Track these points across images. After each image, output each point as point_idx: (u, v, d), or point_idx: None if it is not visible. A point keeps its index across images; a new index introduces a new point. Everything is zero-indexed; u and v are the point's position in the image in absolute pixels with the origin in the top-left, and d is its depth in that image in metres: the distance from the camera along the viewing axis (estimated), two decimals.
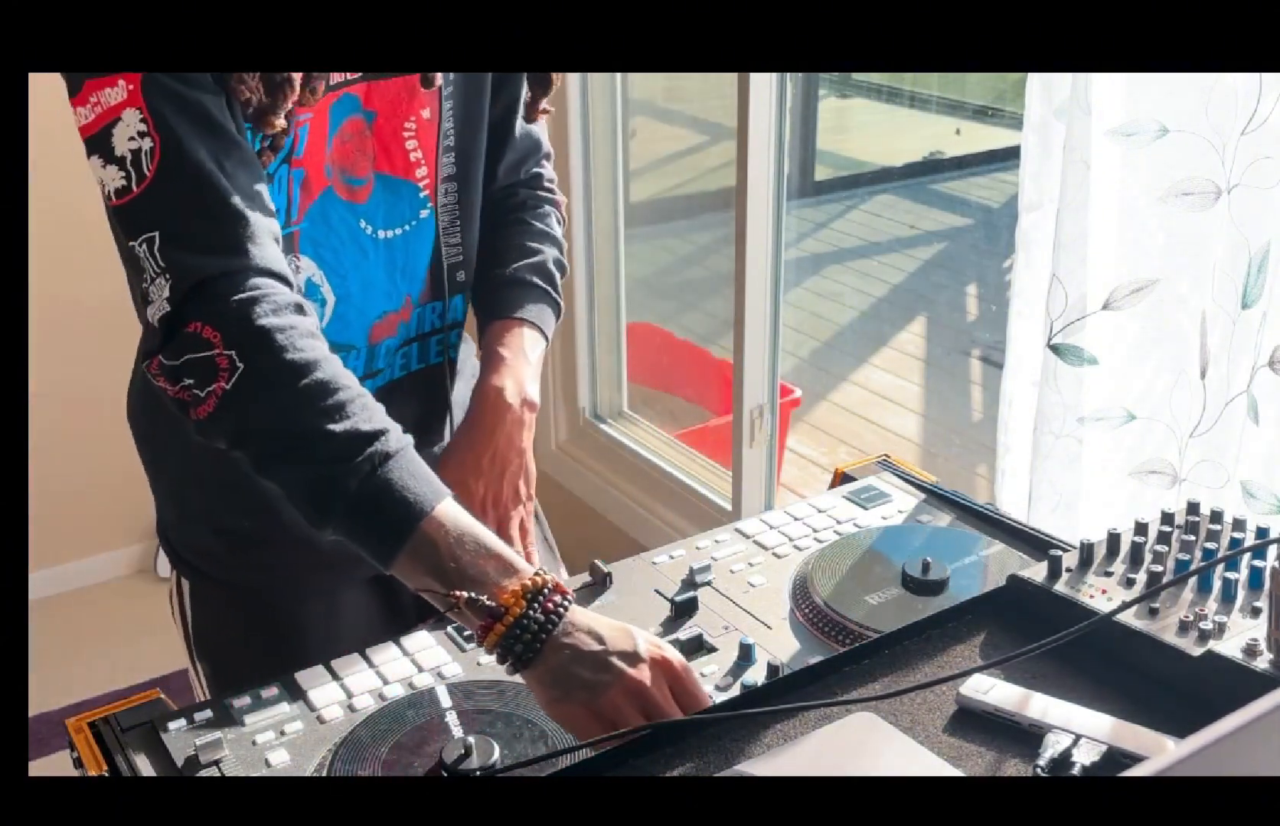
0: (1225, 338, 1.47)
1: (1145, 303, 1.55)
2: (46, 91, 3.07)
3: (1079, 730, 0.87)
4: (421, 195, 1.23)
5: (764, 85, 2.31)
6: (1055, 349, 1.59)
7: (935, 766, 0.86)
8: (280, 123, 1.06)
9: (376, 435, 0.98)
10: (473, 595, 0.94)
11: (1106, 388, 1.59)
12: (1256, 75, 1.37)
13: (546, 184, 1.40)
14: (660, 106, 4.15)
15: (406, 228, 1.23)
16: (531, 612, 0.94)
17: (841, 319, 4.90)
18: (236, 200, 1.02)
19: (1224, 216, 1.45)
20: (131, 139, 1.00)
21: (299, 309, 1.03)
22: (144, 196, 1.00)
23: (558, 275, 1.35)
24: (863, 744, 0.89)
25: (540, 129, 1.39)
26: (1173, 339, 1.54)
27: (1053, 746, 0.86)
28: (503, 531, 1.22)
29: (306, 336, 1.01)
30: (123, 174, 1.00)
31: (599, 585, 1.20)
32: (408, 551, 0.96)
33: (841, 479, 1.41)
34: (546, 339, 1.32)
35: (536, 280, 1.32)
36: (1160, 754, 0.60)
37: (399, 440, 0.99)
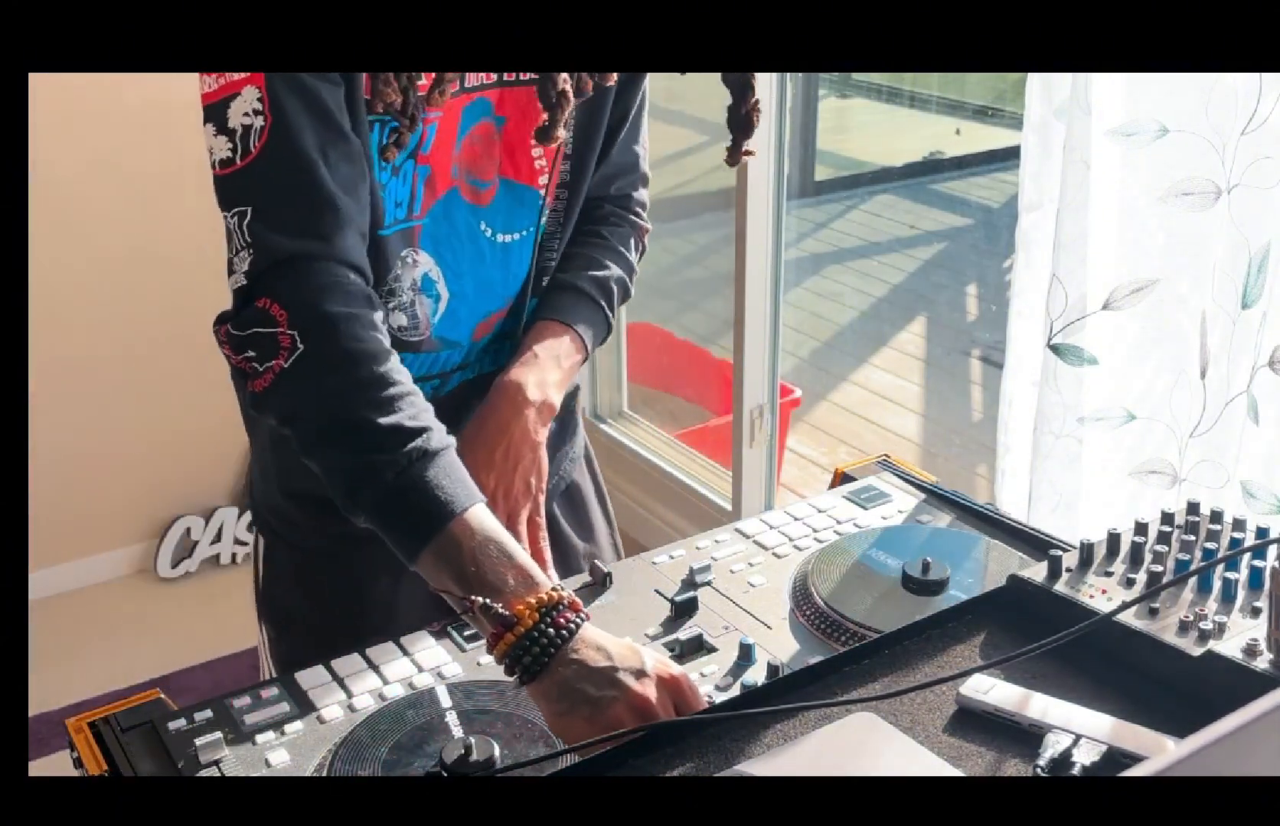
0: (1225, 338, 1.47)
1: (1145, 303, 1.55)
2: (46, 91, 3.06)
3: (1079, 730, 0.87)
4: (541, 202, 1.25)
5: (764, 85, 2.31)
6: (1055, 349, 1.59)
7: (935, 766, 0.86)
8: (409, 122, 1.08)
9: (419, 432, 1.00)
10: (487, 602, 0.95)
11: (1106, 388, 1.59)
12: (1256, 75, 1.37)
13: (635, 207, 1.40)
14: (660, 106, 4.15)
15: (523, 233, 1.25)
16: (543, 626, 0.94)
17: (841, 319, 4.90)
18: (331, 190, 1.05)
19: (1224, 216, 1.45)
20: (245, 115, 1.03)
21: (369, 301, 1.06)
22: (245, 171, 1.04)
23: (617, 294, 1.34)
24: (863, 744, 0.89)
25: (642, 150, 1.38)
26: (1173, 339, 1.54)
27: (1053, 746, 0.86)
28: (511, 525, 1.22)
29: (369, 328, 1.04)
30: (230, 146, 1.04)
31: (599, 585, 1.19)
32: (432, 548, 0.97)
33: (841, 479, 1.41)
34: (587, 351, 1.31)
35: (592, 292, 1.32)
36: (1160, 754, 0.60)
37: (441, 440, 1.01)
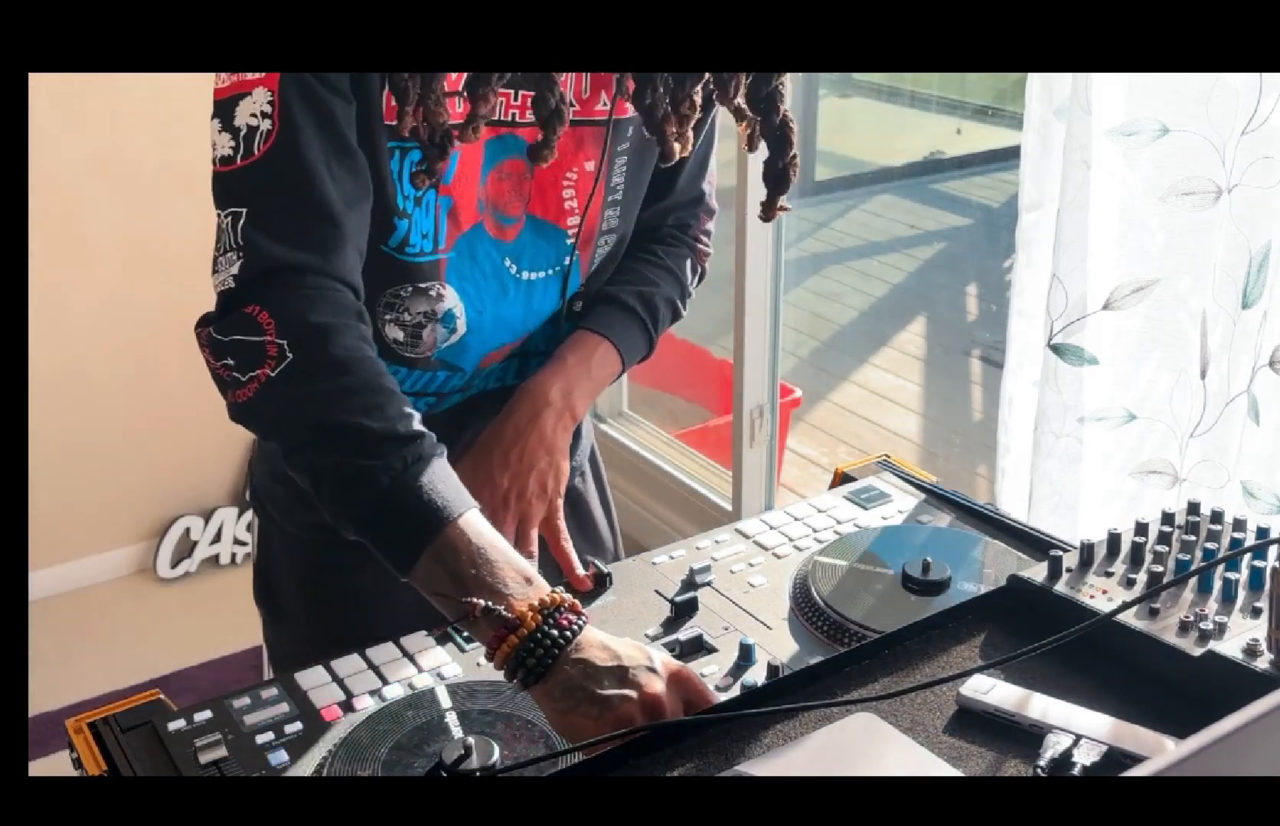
0: (1225, 337, 1.47)
1: (1145, 302, 1.55)
2: (47, 92, 3.06)
3: (1079, 730, 0.87)
4: (569, 243, 1.23)
5: None
6: (1055, 349, 1.59)
7: (935, 766, 0.86)
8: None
9: (414, 438, 0.99)
10: (489, 604, 0.94)
11: (1107, 387, 1.59)
12: (1256, 75, 1.37)
13: (695, 233, 1.38)
14: None
15: (549, 272, 1.23)
16: (545, 628, 0.94)
17: (841, 319, 4.90)
18: (333, 204, 1.04)
19: (1224, 216, 1.45)
20: (253, 115, 1.02)
21: (359, 316, 1.05)
22: (245, 171, 1.03)
23: (664, 312, 1.33)
24: (863, 744, 0.89)
25: (709, 186, 1.37)
26: (1173, 339, 1.54)
27: (1053, 746, 0.86)
28: (524, 527, 1.21)
29: (359, 339, 1.03)
30: (233, 143, 1.03)
31: (599, 585, 1.19)
32: (429, 553, 0.96)
33: (841, 479, 1.41)
34: (624, 364, 1.30)
35: (636, 307, 1.30)
36: (1160, 754, 0.60)
37: (434, 447, 1.00)
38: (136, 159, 3.05)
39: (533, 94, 1.08)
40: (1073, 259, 1.54)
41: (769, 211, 1.23)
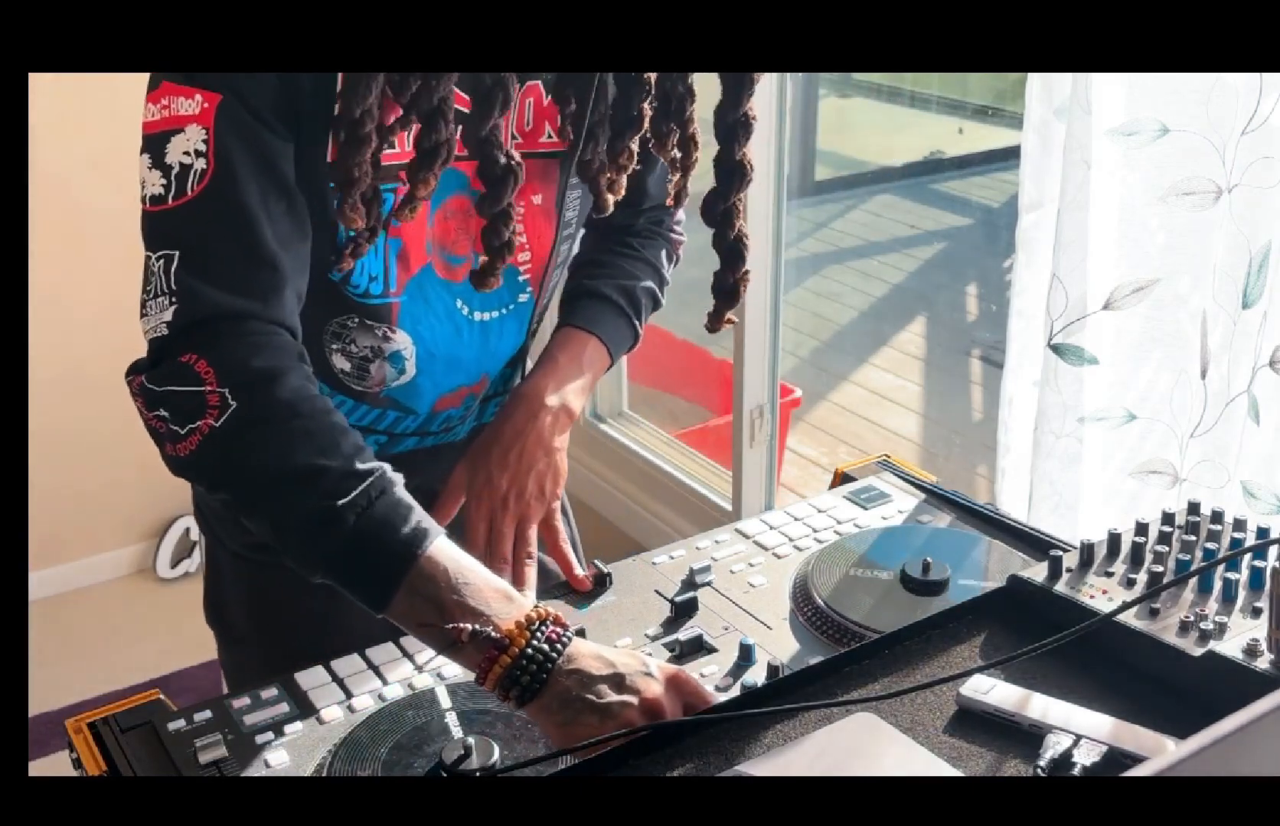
0: (1226, 337, 1.47)
1: (1146, 302, 1.55)
2: (47, 92, 3.06)
3: (1079, 730, 0.87)
4: (521, 279, 1.21)
5: (764, 85, 2.31)
6: (1056, 349, 1.59)
7: (935, 766, 0.86)
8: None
9: (373, 471, 0.96)
10: (476, 627, 0.92)
11: (1107, 387, 1.59)
12: (1256, 75, 1.37)
13: (668, 225, 1.37)
14: None
15: (503, 310, 1.21)
16: (536, 643, 0.92)
17: (841, 319, 4.90)
18: (272, 248, 0.99)
19: (1224, 216, 1.45)
20: (186, 154, 0.98)
21: (300, 357, 1.02)
22: (178, 213, 0.98)
23: (645, 303, 1.32)
24: (863, 744, 0.89)
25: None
26: (1173, 339, 1.54)
27: (1053, 747, 0.86)
28: (523, 528, 1.20)
29: (302, 378, 1.00)
30: (164, 183, 0.98)
31: (599, 585, 1.19)
32: (406, 585, 0.94)
33: (841, 479, 1.41)
34: (613, 359, 1.29)
35: (619, 300, 1.30)
36: (1160, 754, 0.60)
37: (390, 477, 0.98)
38: (136, 159, 3.05)
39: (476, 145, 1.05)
40: (1073, 259, 1.54)
41: (715, 323, 1.22)
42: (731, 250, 1.18)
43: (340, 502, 0.94)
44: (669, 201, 1.22)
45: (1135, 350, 1.57)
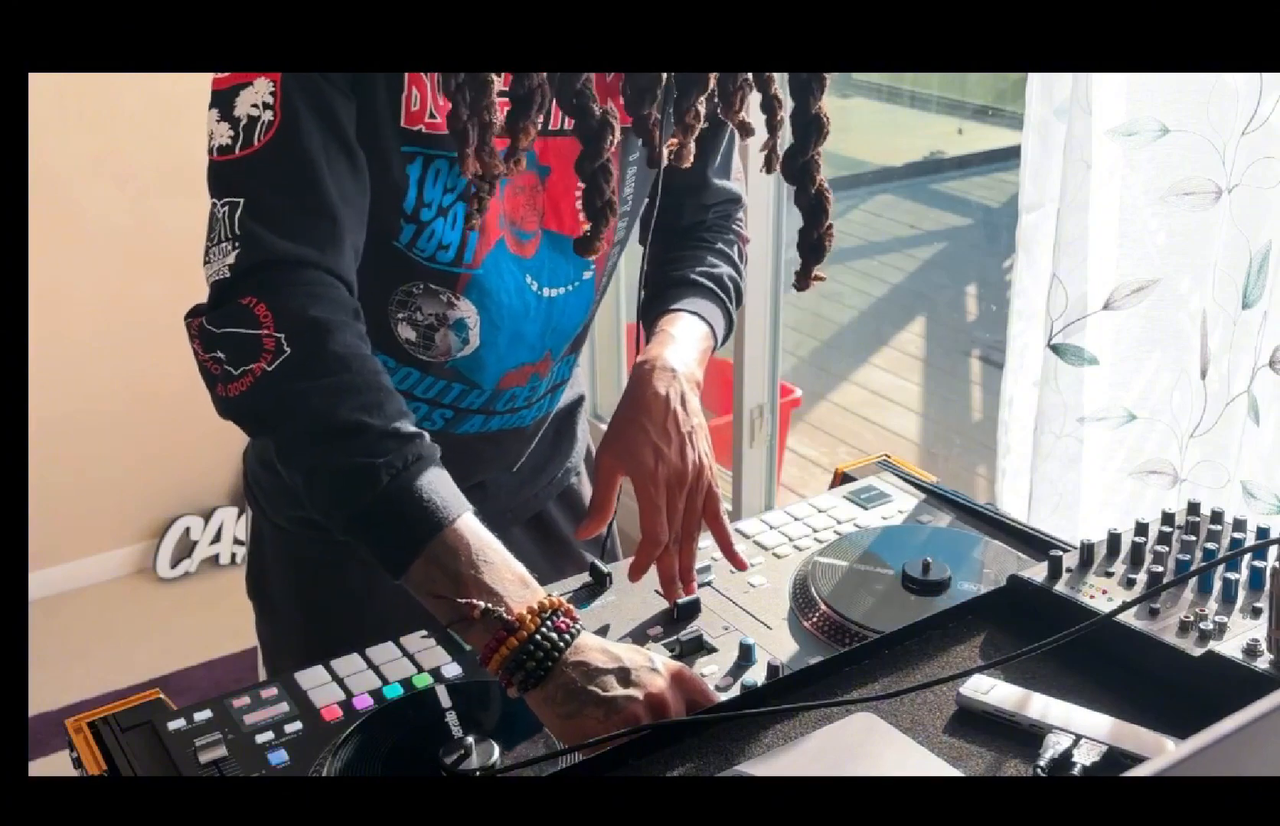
0: (1226, 338, 1.47)
1: (1146, 302, 1.55)
2: (47, 92, 3.06)
3: (1079, 730, 0.87)
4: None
5: None
6: (1056, 349, 1.59)
7: (935, 766, 0.86)
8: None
9: (414, 437, 0.98)
10: (489, 606, 0.93)
11: (1107, 388, 1.59)
12: (1256, 75, 1.37)
13: (734, 218, 1.38)
14: None
15: (569, 287, 1.22)
16: (545, 630, 0.93)
17: (841, 319, 4.91)
18: (333, 199, 1.03)
19: (1224, 216, 1.45)
20: (254, 106, 1.01)
21: (356, 314, 1.04)
22: (244, 162, 1.01)
23: (732, 291, 1.33)
24: (863, 744, 0.89)
25: (738, 185, 1.37)
26: (1173, 339, 1.54)
27: (1053, 747, 0.86)
28: (690, 501, 1.16)
29: (357, 337, 1.02)
30: (232, 133, 1.02)
31: (599, 585, 1.19)
32: (426, 554, 0.95)
33: (841, 479, 1.41)
34: (716, 340, 1.28)
35: (712, 285, 1.30)
36: (1160, 754, 0.60)
37: (431, 448, 0.99)
38: (136, 158, 3.05)
39: (572, 111, 1.07)
40: (1073, 259, 1.54)
41: (803, 281, 1.21)
42: (814, 205, 1.18)
43: (378, 461, 0.96)
44: (761, 168, 1.20)
45: (1135, 350, 1.57)
